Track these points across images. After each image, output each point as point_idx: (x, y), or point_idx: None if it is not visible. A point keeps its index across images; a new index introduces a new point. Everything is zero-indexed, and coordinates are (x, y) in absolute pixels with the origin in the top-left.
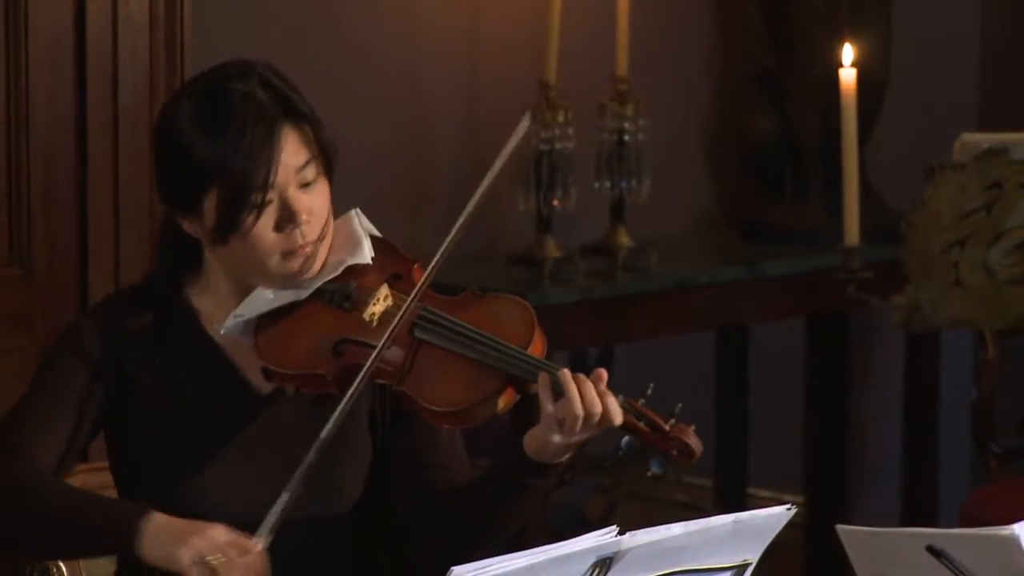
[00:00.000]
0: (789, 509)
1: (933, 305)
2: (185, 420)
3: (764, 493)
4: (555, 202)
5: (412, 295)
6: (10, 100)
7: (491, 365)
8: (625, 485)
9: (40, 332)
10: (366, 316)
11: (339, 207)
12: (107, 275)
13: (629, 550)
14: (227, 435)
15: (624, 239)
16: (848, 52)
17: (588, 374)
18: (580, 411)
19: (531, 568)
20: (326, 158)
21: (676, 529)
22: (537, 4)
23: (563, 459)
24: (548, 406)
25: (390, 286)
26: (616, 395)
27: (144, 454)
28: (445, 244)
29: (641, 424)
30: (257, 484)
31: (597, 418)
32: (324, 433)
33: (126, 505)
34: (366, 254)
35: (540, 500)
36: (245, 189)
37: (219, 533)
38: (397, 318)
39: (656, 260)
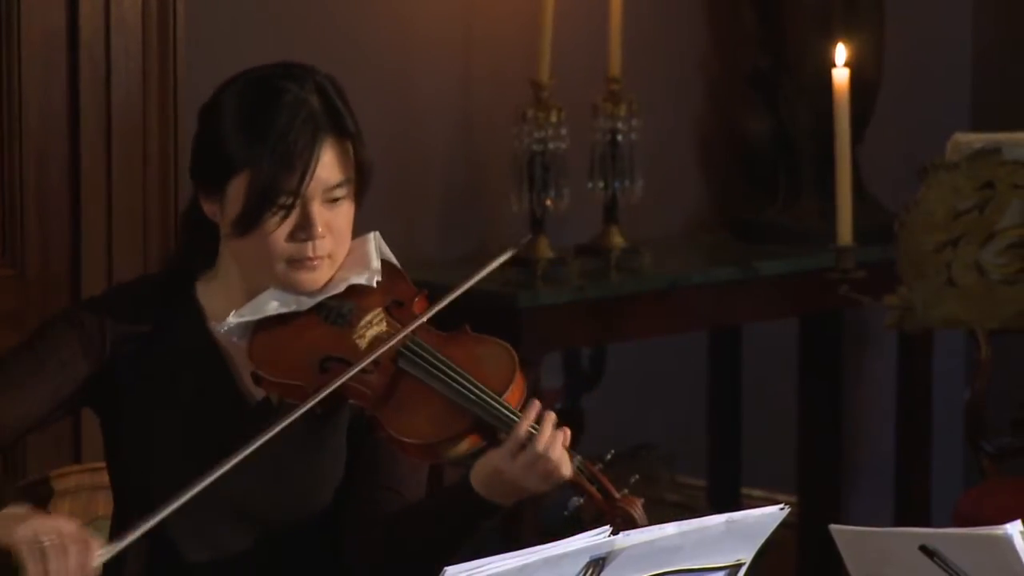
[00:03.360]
0: (782, 509)
1: (926, 305)
2: (177, 421)
3: (757, 493)
4: (548, 202)
5: (407, 328)
6: (3, 100)
7: (463, 406)
8: (618, 486)
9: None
10: (355, 337)
11: None
12: (100, 275)
13: (622, 550)
14: (214, 439)
15: (617, 239)
16: (841, 52)
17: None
18: (541, 449)
19: (524, 568)
20: (361, 179)
21: (670, 529)
22: (530, 4)
23: (509, 503)
24: (513, 438)
25: (387, 312)
26: (574, 456)
27: (137, 452)
28: (453, 294)
29: (592, 487)
30: (231, 492)
31: (553, 463)
32: (253, 445)
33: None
34: (372, 278)
35: (481, 534)
36: (274, 190)
37: (64, 523)
38: (386, 346)
39: (649, 260)
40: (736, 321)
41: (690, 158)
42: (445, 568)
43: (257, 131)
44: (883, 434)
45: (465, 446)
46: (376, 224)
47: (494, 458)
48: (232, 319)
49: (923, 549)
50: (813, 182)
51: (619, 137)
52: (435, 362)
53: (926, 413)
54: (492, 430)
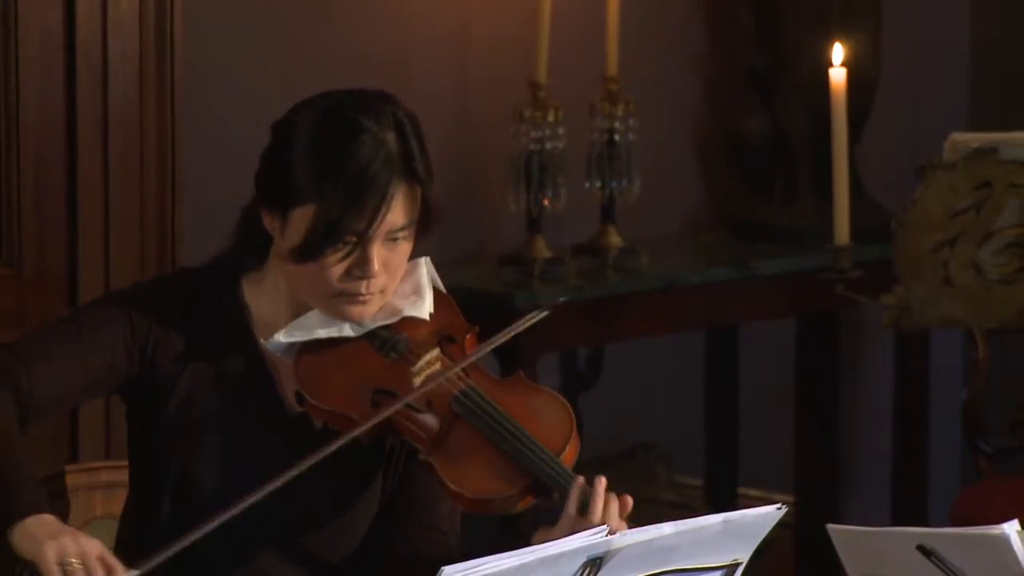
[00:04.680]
0: (779, 508)
1: (923, 305)
2: (212, 423)
3: (754, 492)
4: (545, 202)
5: (455, 365)
6: (0, 101)
7: (523, 465)
8: (615, 485)
9: (30, 331)
10: (412, 374)
11: None
12: (97, 274)
13: (619, 550)
14: (249, 445)
15: (614, 239)
16: (838, 51)
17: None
18: (597, 521)
19: (521, 568)
20: (424, 221)
21: (667, 529)
22: (527, 4)
23: None
24: (571, 510)
25: (441, 349)
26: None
27: (167, 449)
28: (500, 335)
29: None
30: (263, 515)
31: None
32: (295, 471)
33: (33, 495)
34: (425, 310)
35: None
36: (341, 229)
37: (93, 546)
38: (435, 382)
39: (646, 260)
40: (733, 321)
41: (687, 158)
42: (443, 568)
43: (330, 167)
44: (880, 434)
45: (520, 505)
46: None
47: (553, 537)
48: (281, 338)
49: (921, 549)
50: (810, 182)
51: (616, 137)
52: (494, 415)
53: (923, 413)
54: (548, 489)
